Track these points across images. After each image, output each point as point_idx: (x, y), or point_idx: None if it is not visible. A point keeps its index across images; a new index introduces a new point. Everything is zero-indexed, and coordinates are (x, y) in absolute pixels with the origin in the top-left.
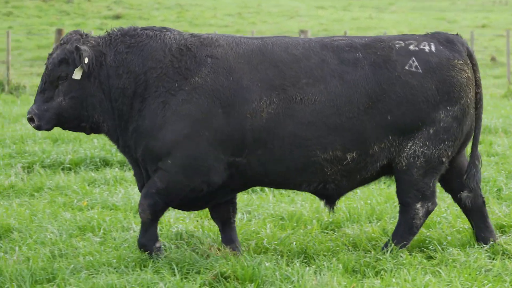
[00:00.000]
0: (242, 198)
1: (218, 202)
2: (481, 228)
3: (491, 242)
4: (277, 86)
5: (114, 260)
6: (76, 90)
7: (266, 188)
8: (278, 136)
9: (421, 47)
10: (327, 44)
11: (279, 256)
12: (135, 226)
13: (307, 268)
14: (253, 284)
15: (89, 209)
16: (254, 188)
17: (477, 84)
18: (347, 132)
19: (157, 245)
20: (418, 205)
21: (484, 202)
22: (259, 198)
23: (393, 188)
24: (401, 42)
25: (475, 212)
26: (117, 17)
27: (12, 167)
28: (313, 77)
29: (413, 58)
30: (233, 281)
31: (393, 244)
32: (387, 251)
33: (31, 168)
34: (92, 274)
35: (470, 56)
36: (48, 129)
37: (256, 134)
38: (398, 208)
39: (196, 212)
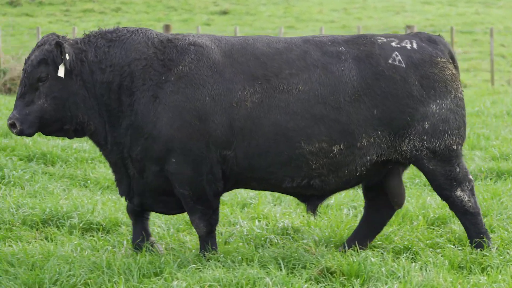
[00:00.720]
0: (348, 194)
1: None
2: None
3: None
4: (260, 76)
5: (221, 255)
6: (58, 90)
7: None
8: (263, 127)
9: (403, 44)
10: (309, 39)
11: (385, 252)
12: (242, 221)
13: (413, 264)
14: (358, 279)
15: None
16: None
17: None
18: (333, 122)
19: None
20: (459, 192)
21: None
22: None
23: (499, 184)
24: (383, 38)
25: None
26: (224, 12)
27: None
28: (296, 67)
29: (396, 53)
30: (339, 277)
31: (476, 236)
32: (493, 247)
33: None
34: (199, 268)
35: (452, 58)
36: (31, 134)
37: (242, 123)
38: (504, 204)
39: (302, 207)
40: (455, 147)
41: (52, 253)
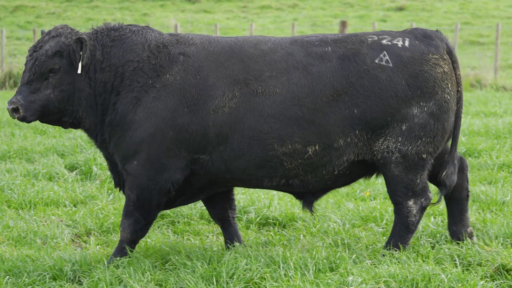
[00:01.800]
0: None
1: (187, 203)
2: (456, 221)
3: (461, 236)
4: (241, 80)
5: (396, 251)
6: (66, 84)
7: None
8: (238, 131)
9: (394, 42)
10: (297, 40)
11: None
12: None
13: None
14: None
15: (371, 200)
16: None
17: (457, 82)
18: (308, 124)
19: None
20: (411, 203)
21: (468, 196)
22: None
23: None
24: (374, 36)
25: (456, 204)
26: (400, 8)
27: None
28: (276, 69)
29: (384, 52)
30: None
31: (395, 246)
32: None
33: None
34: (374, 264)
35: (450, 52)
36: (31, 121)
37: (218, 129)
38: None
39: (478, 203)
40: (424, 155)
41: (229, 247)
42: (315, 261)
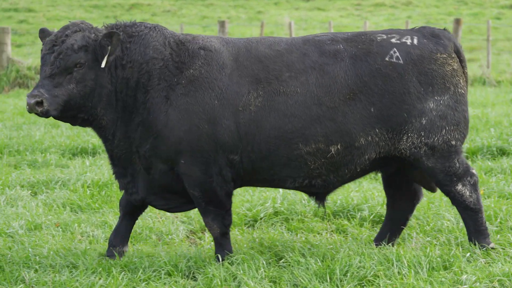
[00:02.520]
0: None
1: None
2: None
3: None
4: (262, 79)
5: (511, 249)
6: (90, 80)
7: None
8: (264, 130)
9: (403, 40)
10: (309, 39)
11: None
12: None
13: None
14: None
15: (485, 198)
16: None
17: (465, 80)
18: (329, 122)
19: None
20: (459, 187)
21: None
22: None
23: None
24: (383, 35)
25: (393, 221)
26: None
27: None
28: (295, 70)
29: (394, 49)
30: None
31: (474, 234)
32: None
33: None
34: (488, 263)
35: (458, 51)
36: (51, 116)
37: (247, 127)
38: None
39: None
40: (453, 142)
41: (342, 244)
42: (429, 259)
